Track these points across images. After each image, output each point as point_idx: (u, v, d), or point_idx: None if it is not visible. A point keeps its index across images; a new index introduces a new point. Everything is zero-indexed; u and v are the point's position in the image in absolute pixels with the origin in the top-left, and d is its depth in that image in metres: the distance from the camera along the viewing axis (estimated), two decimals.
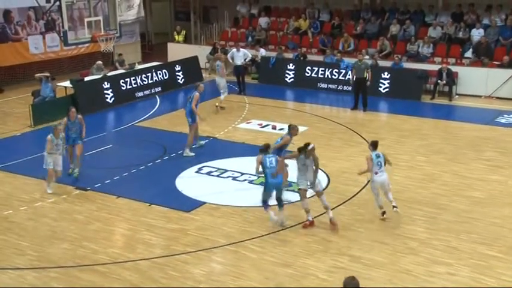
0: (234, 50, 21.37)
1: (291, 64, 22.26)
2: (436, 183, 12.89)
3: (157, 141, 15.69)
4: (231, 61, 21.35)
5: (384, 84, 20.40)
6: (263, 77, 22.57)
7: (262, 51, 23.00)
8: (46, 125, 17.31)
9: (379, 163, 10.85)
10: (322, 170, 13.37)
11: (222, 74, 18.66)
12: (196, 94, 14.76)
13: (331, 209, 10.85)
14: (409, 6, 23.85)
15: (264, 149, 10.88)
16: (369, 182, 11.60)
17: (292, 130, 11.91)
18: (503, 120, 17.52)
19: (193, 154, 14.66)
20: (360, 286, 5.98)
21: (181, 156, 14.54)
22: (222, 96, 18.68)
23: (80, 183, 12.92)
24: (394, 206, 10.92)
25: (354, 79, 18.81)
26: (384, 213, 11.01)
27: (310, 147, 10.45)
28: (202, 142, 15.34)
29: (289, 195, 11.76)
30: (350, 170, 13.41)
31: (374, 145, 11.10)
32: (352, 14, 24.91)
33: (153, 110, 19.07)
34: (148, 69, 21.27)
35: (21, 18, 22.20)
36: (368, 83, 18.59)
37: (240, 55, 21.04)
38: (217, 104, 18.61)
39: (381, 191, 11.02)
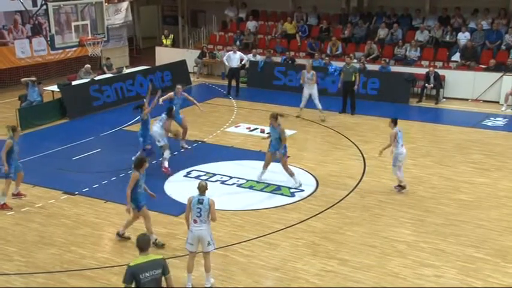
0: (231, 52, 21.43)
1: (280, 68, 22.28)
2: (424, 186, 12.96)
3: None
4: (226, 63, 21.39)
5: (372, 87, 20.48)
6: (251, 80, 22.57)
7: (259, 58, 22.70)
8: (33, 129, 17.27)
9: (401, 137, 12.27)
10: (310, 174, 13.45)
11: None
12: (170, 94, 15.42)
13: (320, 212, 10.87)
14: (397, 10, 23.96)
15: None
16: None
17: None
18: (489, 123, 17.65)
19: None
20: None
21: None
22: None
23: (67, 187, 12.86)
24: (401, 186, 12.46)
25: (342, 83, 18.88)
26: (403, 187, 12.39)
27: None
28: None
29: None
30: (338, 174, 13.47)
31: (395, 122, 12.25)
32: (340, 17, 24.99)
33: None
34: (136, 73, 21.21)
35: (8, 22, 22.01)
36: (355, 86, 18.67)
37: (237, 57, 21.09)
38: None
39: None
